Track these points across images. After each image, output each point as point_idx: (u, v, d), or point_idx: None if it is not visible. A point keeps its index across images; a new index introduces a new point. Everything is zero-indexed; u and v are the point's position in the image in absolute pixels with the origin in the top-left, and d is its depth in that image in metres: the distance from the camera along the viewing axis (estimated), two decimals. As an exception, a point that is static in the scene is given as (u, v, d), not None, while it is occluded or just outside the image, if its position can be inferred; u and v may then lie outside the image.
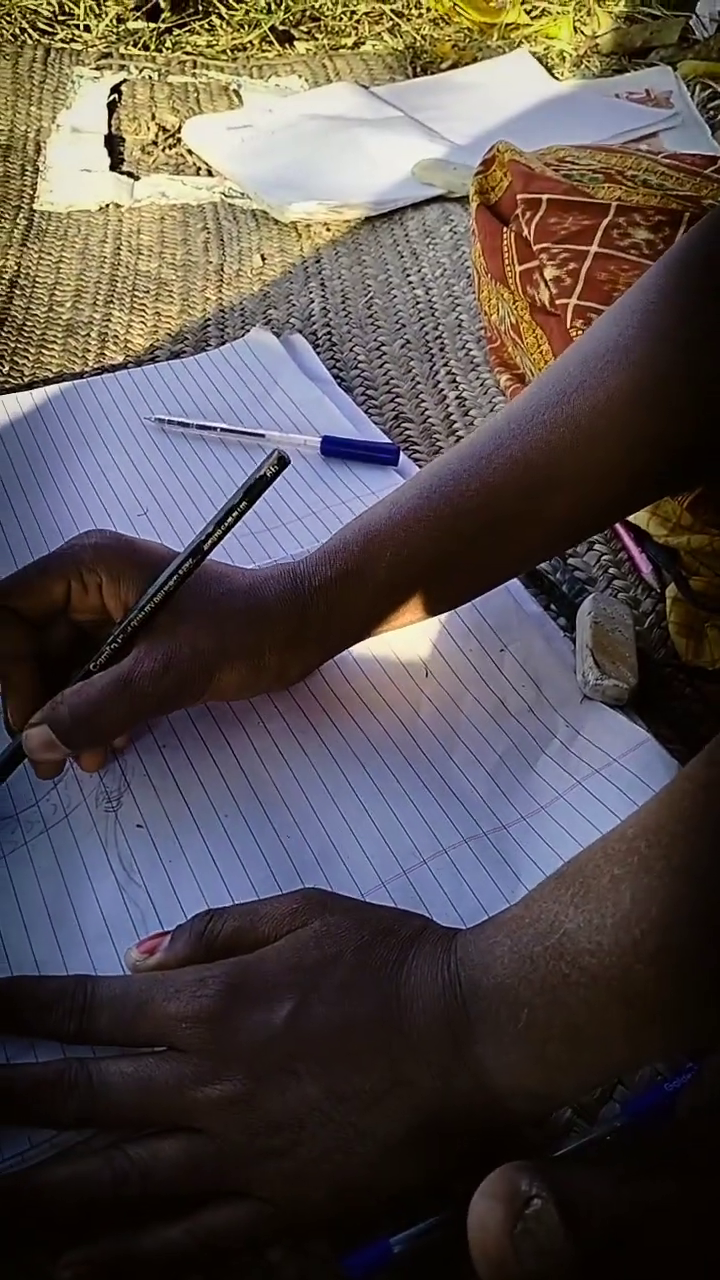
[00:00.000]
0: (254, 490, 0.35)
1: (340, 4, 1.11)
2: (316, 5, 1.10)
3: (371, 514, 0.38)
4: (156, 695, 0.35)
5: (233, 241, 0.75)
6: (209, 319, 0.66)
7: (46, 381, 0.59)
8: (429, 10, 1.11)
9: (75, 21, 1.05)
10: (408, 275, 0.71)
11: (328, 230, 0.76)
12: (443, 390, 0.61)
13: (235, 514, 0.35)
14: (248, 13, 1.07)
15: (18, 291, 0.68)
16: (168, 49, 1.03)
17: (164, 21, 1.05)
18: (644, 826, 0.25)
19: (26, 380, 0.60)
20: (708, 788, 0.24)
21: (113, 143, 0.86)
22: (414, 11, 1.11)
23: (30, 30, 1.03)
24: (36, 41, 1.02)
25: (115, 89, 0.95)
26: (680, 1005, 0.24)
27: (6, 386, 0.59)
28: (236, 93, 0.96)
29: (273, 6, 1.08)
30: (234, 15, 1.07)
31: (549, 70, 1.00)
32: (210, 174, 0.83)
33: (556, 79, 0.99)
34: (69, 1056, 0.29)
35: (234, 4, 1.07)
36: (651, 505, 0.47)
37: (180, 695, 0.36)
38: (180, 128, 0.88)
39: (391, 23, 1.10)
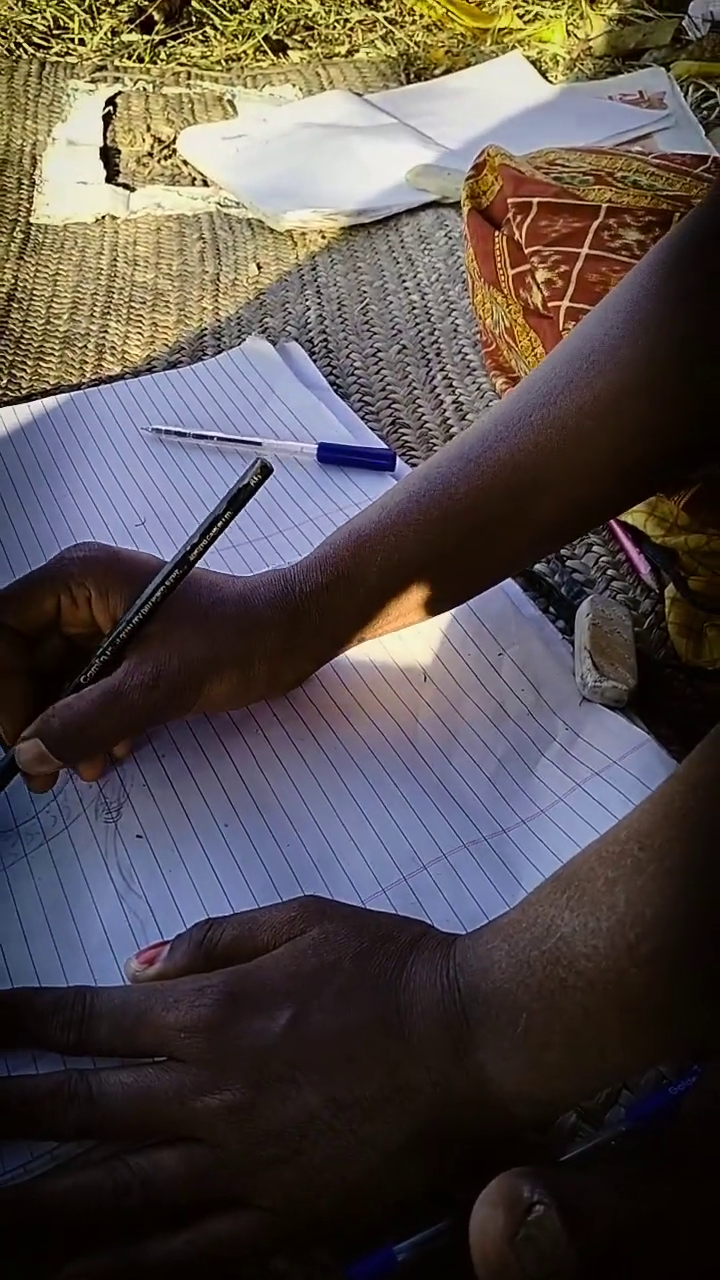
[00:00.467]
0: (238, 500, 0.35)
1: (333, 12, 1.11)
2: (310, 14, 1.11)
3: (361, 519, 0.38)
4: (147, 707, 0.35)
5: (228, 251, 0.75)
6: (205, 329, 0.67)
7: (44, 393, 0.60)
8: (422, 17, 1.11)
9: (70, 35, 1.06)
10: (403, 281, 0.71)
11: (323, 238, 0.76)
12: (439, 395, 0.61)
13: (220, 524, 0.35)
14: (241, 23, 1.08)
15: (15, 304, 0.68)
16: (162, 60, 1.04)
17: (158, 33, 1.06)
18: (636, 829, 0.24)
19: (24, 392, 0.60)
20: (698, 788, 0.24)
21: (108, 155, 0.87)
22: (407, 18, 1.12)
23: (25, 44, 1.04)
24: (31, 55, 1.03)
25: (110, 101, 0.95)
26: (677, 1009, 0.24)
27: (4, 399, 0.59)
28: (231, 103, 0.96)
29: (266, 16, 1.09)
30: (227, 26, 1.08)
31: (542, 73, 1.00)
32: (205, 184, 0.84)
33: (550, 82, 0.99)
34: (69, 1068, 0.29)
35: (227, 15, 1.08)
36: (649, 506, 0.47)
37: (171, 706, 0.36)
38: (175, 139, 0.89)
39: (384, 30, 1.11)
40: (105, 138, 0.89)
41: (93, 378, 0.62)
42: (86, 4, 1.06)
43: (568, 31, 1.07)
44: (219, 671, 0.36)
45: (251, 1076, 0.27)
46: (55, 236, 0.76)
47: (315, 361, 0.63)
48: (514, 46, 1.06)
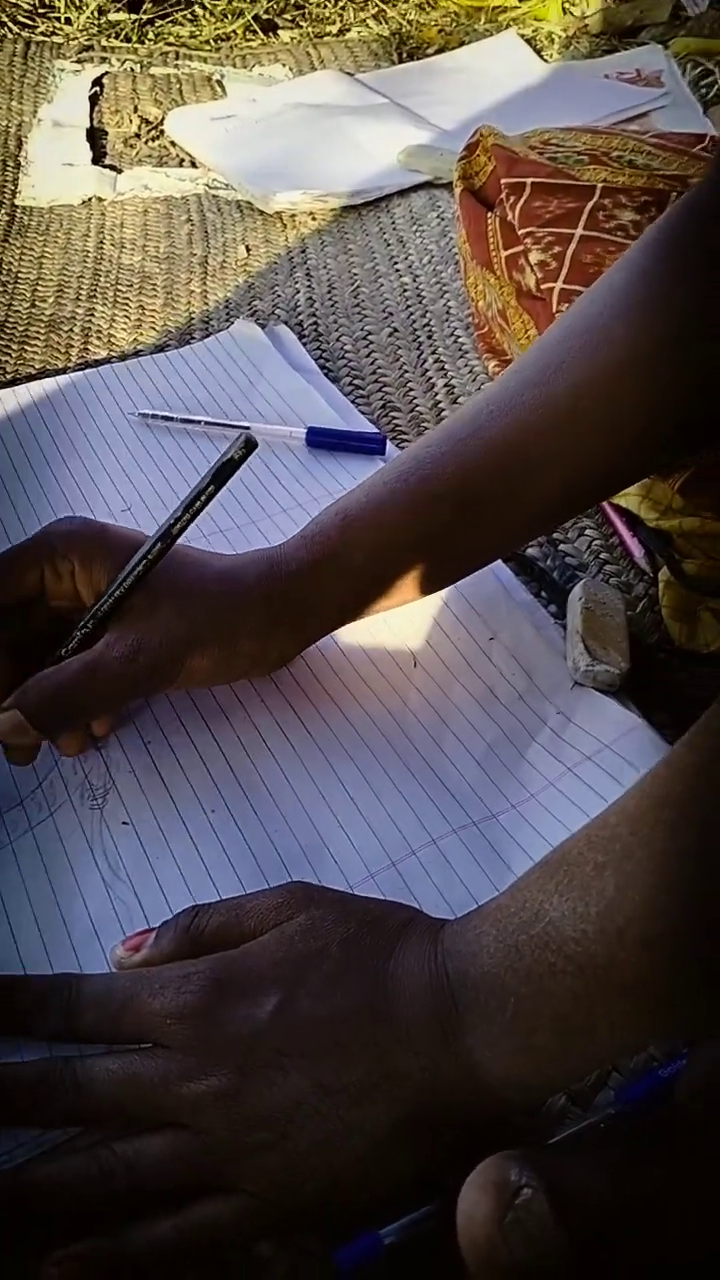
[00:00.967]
0: (222, 474, 0.34)
1: (324, -9, 1.10)
2: (300, -7, 1.09)
3: (349, 498, 0.38)
4: (126, 679, 0.35)
5: (217, 233, 0.74)
6: (193, 312, 0.66)
7: (29, 378, 0.59)
8: (414, -5, 1.10)
9: (56, 14, 1.04)
10: (395, 263, 0.71)
11: (313, 219, 0.75)
12: (431, 378, 0.60)
13: (204, 497, 0.35)
14: (230, 2, 1.06)
15: (0, 288, 0.67)
16: (150, 40, 1.02)
17: (145, 13, 1.04)
18: (625, 813, 0.24)
19: (9, 377, 0.60)
20: (688, 773, 0.24)
21: (95, 136, 0.86)
22: (399, -4, 1.10)
23: (10, 24, 1.02)
24: (16, 35, 1.02)
25: (97, 82, 0.94)
26: (666, 993, 0.24)
27: (-10, 384, 0.59)
28: (220, 83, 0.95)
29: (256, -5, 1.07)
30: (216, 5, 1.06)
31: (537, 52, 0.99)
32: (194, 166, 0.82)
33: (545, 61, 0.98)
34: (54, 1055, 0.29)
35: (216, -7, 1.07)
36: (643, 489, 0.47)
37: (151, 680, 0.36)
38: (163, 120, 0.87)
39: (377, 9, 1.09)
40: (92, 119, 0.88)
41: (79, 362, 0.61)
42: (73, -18, 1.04)
43: (564, 9, 1.06)
44: (201, 647, 0.35)
45: (238, 1062, 0.27)
46: (41, 219, 0.75)
47: (305, 345, 0.62)
48: (509, 25, 1.05)
